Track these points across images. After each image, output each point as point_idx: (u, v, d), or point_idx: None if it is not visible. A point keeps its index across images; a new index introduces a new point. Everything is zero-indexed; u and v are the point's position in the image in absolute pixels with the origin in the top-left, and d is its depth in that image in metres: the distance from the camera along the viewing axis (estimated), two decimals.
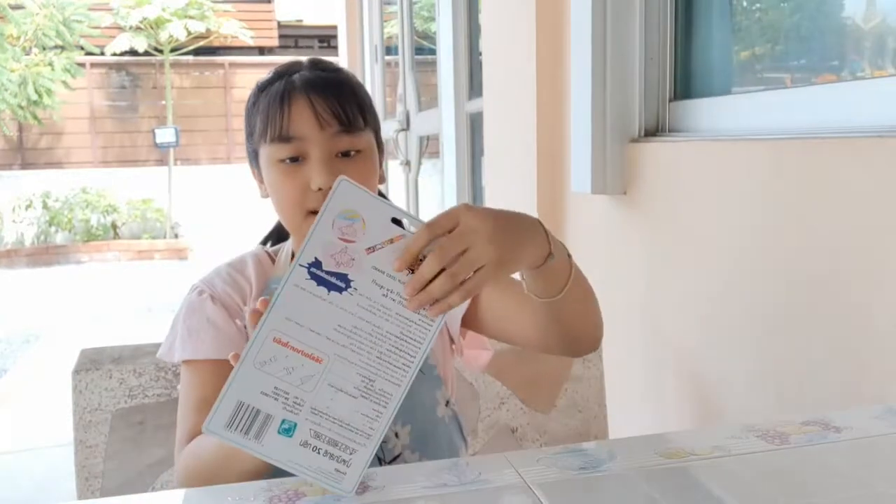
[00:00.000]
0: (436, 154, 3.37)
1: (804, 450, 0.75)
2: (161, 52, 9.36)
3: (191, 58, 10.04)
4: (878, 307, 1.04)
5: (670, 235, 1.54)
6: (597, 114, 1.66)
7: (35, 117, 8.53)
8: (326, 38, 12.10)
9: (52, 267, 7.82)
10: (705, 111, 1.55)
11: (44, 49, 8.40)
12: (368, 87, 4.77)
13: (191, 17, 9.18)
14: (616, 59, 1.64)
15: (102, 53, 9.12)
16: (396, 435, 0.96)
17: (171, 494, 0.75)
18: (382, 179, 1.01)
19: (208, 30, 9.37)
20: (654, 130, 1.67)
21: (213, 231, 8.22)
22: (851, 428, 0.80)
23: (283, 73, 0.95)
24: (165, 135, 8.18)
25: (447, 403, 1.01)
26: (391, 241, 0.68)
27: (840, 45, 1.34)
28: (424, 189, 3.95)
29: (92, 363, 1.15)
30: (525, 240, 0.74)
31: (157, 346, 1.03)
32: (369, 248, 0.68)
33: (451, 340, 1.06)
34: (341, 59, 5.78)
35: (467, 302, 0.99)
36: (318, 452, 0.68)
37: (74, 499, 1.20)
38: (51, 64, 8.33)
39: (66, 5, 8.41)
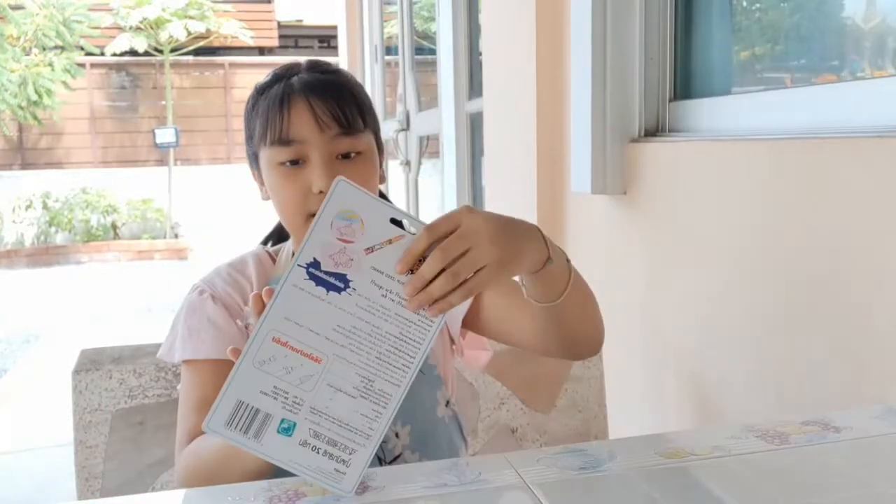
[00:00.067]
0: (436, 154, 3.37)
1: (804, 450, 0.75)
2: (161, 52, 9.36)
3: (191, 58, 10.04)
4: (878, 307, 1.04)
5: (670, 235, 1.54)
6: (597, 114, 1.66)
7: (35, 117, 8.53)
8: (326, 38, 12.10)
9: (52, 267, 7.83)
10: (705, 111, 1.55)
11: (44, 49, 8.41)
12: (368, 88, 4.78)
13: (191, 18, 9.18)
14: (616, 59, 1.64)
15: (102, 54, 9.12)
16: (397, 435, 0.96)
17: (171, 494, 0.75)
18: (383, 179, 1.01)
19: (208, 30, 9.37)
20: (654, 130, 1.67)
21: (213, 231, 8.22)
22: (851, 428, 0.80)
23: (282, 76, 0.95)
24: (165, 135, 8.18)
25: (447, 403, 1.01)
26: (390, 241, 0.68)
27: (840, 45, 1.34)
28: (424, 189, 3.95)
29: (92, 363, 1.15)
30: (525, 243, 0.75)
31: (158, 346, 1.03)
32: (368, 249, 0.68)
33: (452, 341, 1.06)
34: (341, 60, 5.78)
35: (468, 303, 0.99)
36: (318, 452, 0.69)
37: (74, 499, 1.20)
38: (51, 64, 8.33)
39: (66, 5, 8.41)
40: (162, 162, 9.27)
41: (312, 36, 12.69)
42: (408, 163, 3.90)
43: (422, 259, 0.68)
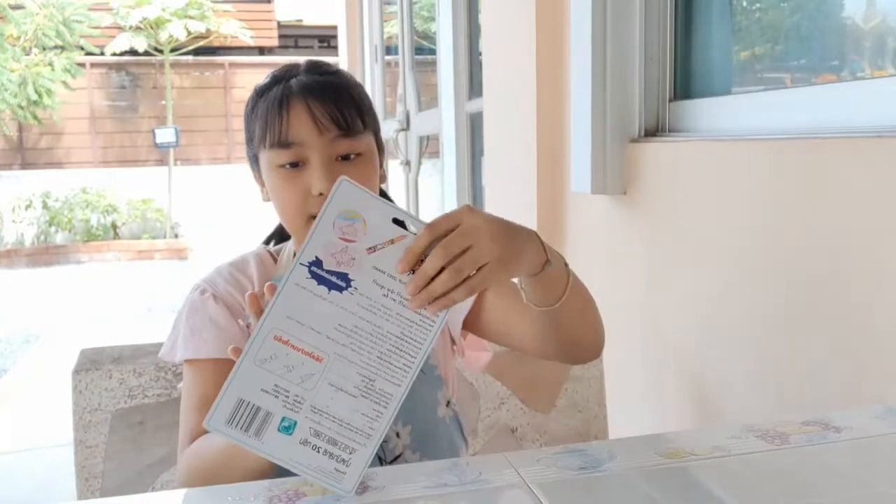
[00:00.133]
0: (436, 154, 3.37)
1: (804, 450, 0.75)
2: (161, 52, 9.36)
3: (191, 58, 10.04)
4: (878, 307, 1.04)
5: (670, 235, 1.54)
6: (597, 114, 1.66)
7: (35, 117, 8.53)
8: (326, 38, 12.11)
9: (52, 267, 7.82)
10: (705, 111, 1.55)
11: (44, 49, 8.40)
12: (368, 88, 4.78)
13: (191, 17, 9.18)
14: (616, 59, 1.64)
15: (102, 53, 9.12)
16: (397, 435, 0.96)
17: (171, 494, 0.75)
18: (384, 178, 1.01)
19: (208, 30, 9.37)
20: (654, 130, 1.67)
21: (213, 231, 8.22)
22: (851, 428, 0.80)
23: (281, 78, 0.95)
24: (165, 135, 8.18)
25: (448, 404, 1.02)
26: (392, 241, 0.68)
27: (840, 45, 1.34)
28: (424, 189, 3.95)
29: (92, 363, 1.15)
30: (524, 245, 0.75)
31: (158, 346, 1.03)
32: (370, 248, 0.68)
33: (453, 341, 1.07)
34: (341, 60, 5.78)
35: (469, 304, 0.99)
36: (318, 451, 0.69)
37: (74, 499, 1.20)
38: (51, 64, 8.33)
39: (66, 5, 8.41)
40: (162, 162, 9.27)
41: (312, 36, 12.69)
42: (408, 163, 3.90)
43: (423, 258, 0.69)
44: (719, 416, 1.41)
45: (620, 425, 1.57)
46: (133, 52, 9.45)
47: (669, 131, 1.65)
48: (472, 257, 0.69)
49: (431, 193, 3.83)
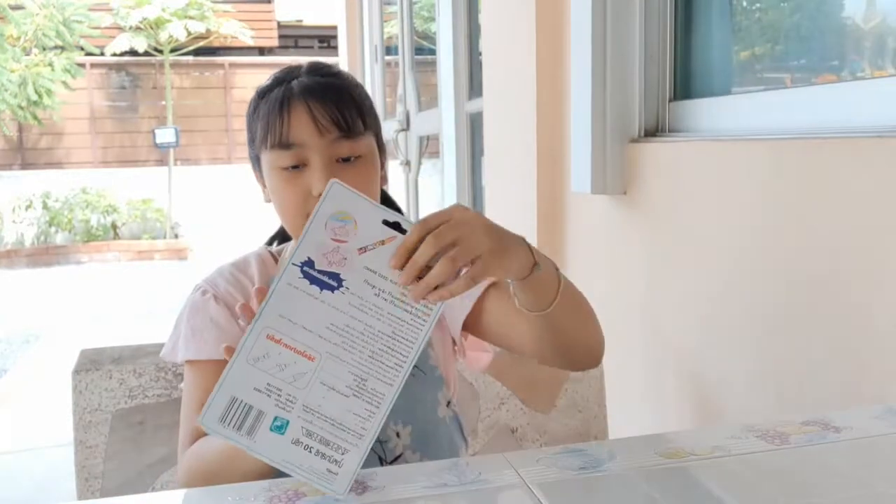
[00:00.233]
0: (436, 154, 3.37)
1: (804, 450, 0.75)
2: (161, 52, 9.36)
3: (191, 58, 10.04)
4: (878, 307, 1.04)
5: (670, 235, 1.54)
6: (597, 114, 1.66)
7: (35, 117, 8.53)
8: (326, 39, 12.10)
9: (52, 267, 7.82)
10: (705, 111, 1.55)
11: (44, 49, 8.40)
12: (368, 88, 4.77)
13: (191, 18, 9.18)
14: (616, 59, 1.64)
15: (102, 54, 9.12)
16: (398, 435, 0.96)
17: (171, 494, 0.75)
18: (385, 181, 1.01)
19: (208, 30, 9.37)
20: (654, 130, 1.67)
21: (213, 231, 8.22)
22: (851, 428, 0.80)
23: (282, 79, 0.96)
24: (165, 135, 8.18)
25: (448, 404, 1.02)
26: (382, 242, 0.70)
27: (840, 45, 1.34)
28: (424, 189, 3.95)
29: (92, 363, 1.15)
30: (512, 244, 0.77)
31: (158, 346, 1.03)
32: (361, 249, 0.69)
33: (454, 342, 1.07)
34: (341, 60, 5.78)
35: (470, 305, 0.99)
36: (311, 451, 0.69)
37: (74, 499, 1.20)
38: (51, 64, 8.33)
39: (66, 5, 8.41)
40: (162, 162, 9.27)
41: (312, 36, 12.69)
42: (408, 163, 3.90)
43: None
44: (719, 416, 1.41)
45: (620, 425, 1.57)
46: (133, 53, 9.45)
47: (669, 131, 1.65)
48: (466, 248, 0.70)
49: (431, 193, 3.83)
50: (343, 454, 0.69)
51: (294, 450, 0.69)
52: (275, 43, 11.98)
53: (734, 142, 1.35)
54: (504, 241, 0.75)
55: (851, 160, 1.09)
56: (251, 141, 0.98)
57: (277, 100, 0.92)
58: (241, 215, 6.90)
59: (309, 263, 0.69)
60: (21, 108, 8.25)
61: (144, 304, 5.88)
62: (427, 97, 3.83)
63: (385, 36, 4.84)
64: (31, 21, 8.23)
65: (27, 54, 8.36)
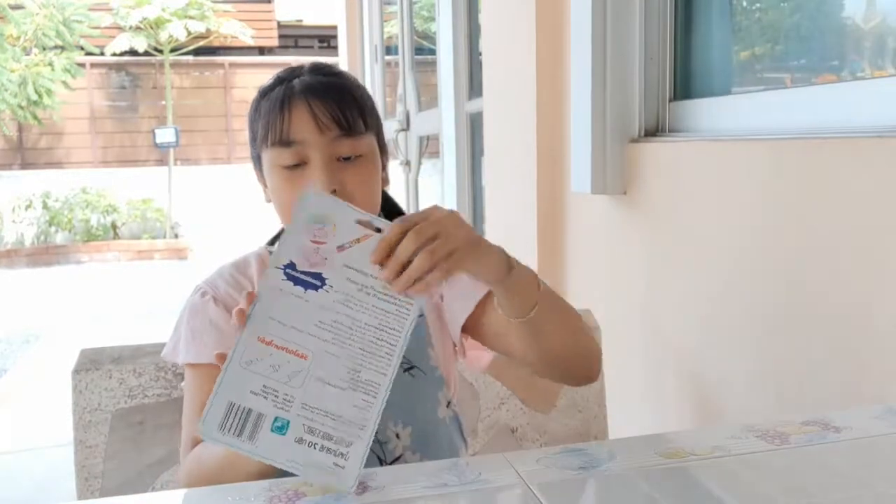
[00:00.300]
0: (436, 154, 3.37)
1: (804, 450, 0.75)
2: (161, 52, 9.36)
3: (191, 58, 10.04)
4: (878, 307, 1.04)
5: (670, 235, 1.54)
6: (597, 114, 1.66)
7: (35, 117, 8.52)
8: (326, 38, 12.10)
9: (52, 267, 7.82)
10: (705, 111, 1.55)
11: (44, 49, 8.40)
12: (368, 88, 4.76)
13: (191, 17, 9.18)
14: (616, 59, 1.64)
15: (102, 53, 9.12)
16: (397, 436, 0.96)
17: (171, 494, 0.75)
18: (386, 182, 1.01)
19: (208, 30, 9.37)
20: (654, 130, 1.67)
21: (213, 231, 8.22)
22: (851, 428, 0.80)
23: (284, 79, 0.96)
24: (165, 135, 8.18)
25: (448, 404, 1.01)
26: (358, 240, 0.73)
27: (840, 45, 1.34)
28: (424, 189, 3.95)
29: (92, 363, 1.15)
30: (487, 244, 0.80)
31: (158, 346, 1.03)
32: (340, 248, 0.72)
33: (454, 343, 1.06)
34: (341, 60, 5.78)
35: (471, 307, 0.99)
36: (315, 448, 0.69)
37: (74, 499, 1.20)
38: (51, 64, 8.33)
39: (66, 5, 8.40)
40: (162, 162, 9.27)
41: (312, 36, 12.69)
42: (408, 163, 3.90)
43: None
44: (719, 416, 1.41)
45: (620, 425, 1.57)
46: (133, 53, 9.45)
47: (669, 131, 1.65)
48: (443, 242, 0.73)
49: (431, 193, 3.83)
50: (347, 447, 0.70)
51: (298, 448, 0.69)
52: (275, 43, 11.98)
53: (734, 142, 1.35)
54: (480, 238, 0.79)
55: (851, 160, 1.09)
56: (252, 140, 0.98)
57: (278, 98, 0.93)
58: (242, 215, 6.91)
59: (291, 266, 0.71)
60: (21, 107, 8.25)
61: (144, 303, 5.88)
62: (427, 97, 3.83)
63: (385, 36, 4.84)
64: (31, 21, 8.23)
65: (27, 54, 8.36)
